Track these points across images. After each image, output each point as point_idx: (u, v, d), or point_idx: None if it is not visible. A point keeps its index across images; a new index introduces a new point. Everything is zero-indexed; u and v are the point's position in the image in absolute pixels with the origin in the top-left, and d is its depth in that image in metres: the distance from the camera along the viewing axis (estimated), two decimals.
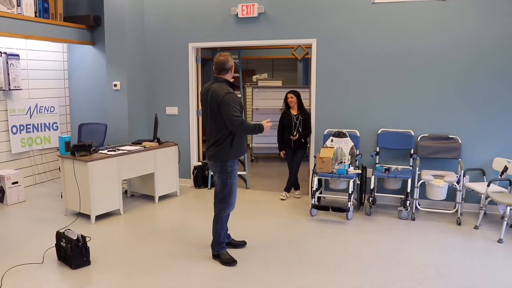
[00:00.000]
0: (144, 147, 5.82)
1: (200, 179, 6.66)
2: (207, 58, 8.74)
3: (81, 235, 4.12)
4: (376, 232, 4.90)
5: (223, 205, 4.06)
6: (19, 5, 5.93)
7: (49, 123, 6.93)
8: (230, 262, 4.04)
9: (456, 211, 5.25)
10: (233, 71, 4.01)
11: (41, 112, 6.79)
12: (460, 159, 5.41)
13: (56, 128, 7.04)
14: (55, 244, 4.19)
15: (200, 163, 6.75)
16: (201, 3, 6.42)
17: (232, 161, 3.99)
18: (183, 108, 6.65)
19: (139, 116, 6.73)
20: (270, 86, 8.61)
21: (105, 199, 5.31)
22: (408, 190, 5.26)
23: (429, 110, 5.60)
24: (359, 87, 5.85)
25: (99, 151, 5.46)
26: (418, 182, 5.37)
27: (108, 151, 5.49)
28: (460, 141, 5.47)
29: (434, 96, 5.57)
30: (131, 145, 5.93)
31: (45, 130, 6.87)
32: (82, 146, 5.27)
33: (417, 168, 5.48)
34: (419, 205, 5.47)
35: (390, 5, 5.58)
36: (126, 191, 6.32)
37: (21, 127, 6.50)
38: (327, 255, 4.28)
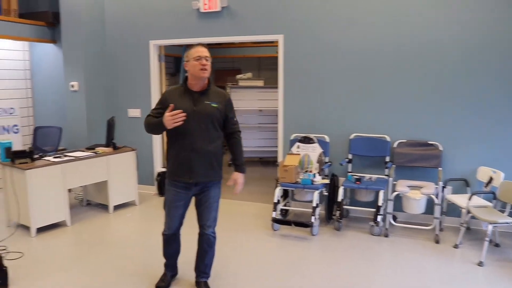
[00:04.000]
0: (96, 152, 5.37)
1: (164, 186, 6.17)
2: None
3: None
4: (341, 251, 4.36)
5: None
6: None
7: (8, 126, 6.53)
8: (157, 286, 3.58)
9: (435, 227, 4.68)
10: (190, 65, 3.16)
11: None
12: (440, 168, 4.83)
13: (16, 131, 6.64)
14: None
15: (164, 169, 6.28)
16: None
17: (167, 179, 3.39)
18: (146, 110, 6.18)
19: (99, 119, 6.28)
20: (251, 86, 8.10)
21: (48, 210, 4.86)
22: (380, 203, 4.70)
23: (407, 114, 5.04)
24: (330, 87, 5.30)
25: (44, 158, 5.02)
26: (392, 194, 4.81)
27: (54, 157, 5.05)
28: (440, 148, 4.89)
29: (412, 98, 5.00)
30: (84, 151, 5.48)
31: (3, 133, 6.47)
32: (22, 152, 4.84)
33: (391, 178, 4.93)
34: (394, 220, 4.90)
35: None
36: (82, 199, 5.90)
37: None
38: (278, 278, 3.76)
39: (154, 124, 3.19)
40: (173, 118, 2.98)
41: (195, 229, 3.47)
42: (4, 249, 4.34)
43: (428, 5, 4.82)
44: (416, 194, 4.67)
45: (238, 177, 3.42)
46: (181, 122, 3.01)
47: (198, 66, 3.12)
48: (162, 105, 3.21)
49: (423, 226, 4.84)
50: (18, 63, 6.80)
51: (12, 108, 6.59)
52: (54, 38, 6.62)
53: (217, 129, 3.28)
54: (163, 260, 3.66)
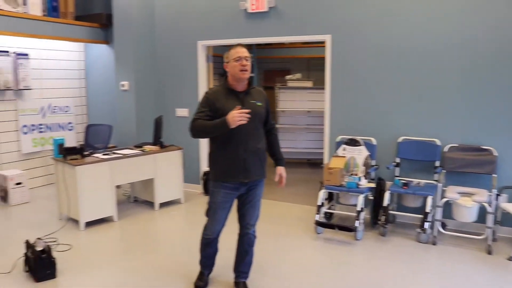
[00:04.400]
0: (144, 151, 5.49)
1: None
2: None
3: (48, 246, 3.86)
4: (385, 257, 4.22)
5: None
6: (25, 4, 5.81)
7: (63, 123, 6.83)
8: (197, 286, 3.59)
9: (487, 237, 4.42)
10: (230, 67, 3.17)
11: (55, 112, 6.70)
12: (494, 175, 4.57)
13: (71, 128, 6.93)
14: (24, 254, 3.95)
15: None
16: None
17: (214, 181, 3.30)
18: (193, 109, 6.23)
19: (148, 118, 6.39)
20: (300, 87, 8.01)
21: (96, 205, 5.03)
22: (428, 210, 4.50)
23: (458, 117, 4.80)
24: (378, 89, 5.14)
25: (94, 154, 5.19)
26: (441, 201, 4.60)
27: (103, 154, 5.21)
28: (495, 154, 4.62)
29: (465, 100, 4.75)
30: (132, 149, 5.62)
31: (59, 130, 6.76)
32: (73, 149, 5.04)
33: (441, 184, 4.71)
34: (442, 227, 4.68)
35: None
36: (130, 196, 6.06)
37: (33, 127, 6.43)
38: (319, 282, 3.70)
39: (211, 126, 3.12)
40: (240, 116, 2.97)
41: (228, 229, 3.47)
42: (54, 241, 4.53)
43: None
44: (467, 202, 4.44)
45: (282, 170, 3.49)
46: (246, 121, 3.01)
47: (238, 67, 3.12)
48: (210, 107, 3.18)
49: (474, 235, 4.58)
50: (74, 63, 7.08)
51: (67, 107, 6.88)
52: (107, 39, 6.85)
53: (262, 127, 3.34)
54: (200, 261, 3.64)
